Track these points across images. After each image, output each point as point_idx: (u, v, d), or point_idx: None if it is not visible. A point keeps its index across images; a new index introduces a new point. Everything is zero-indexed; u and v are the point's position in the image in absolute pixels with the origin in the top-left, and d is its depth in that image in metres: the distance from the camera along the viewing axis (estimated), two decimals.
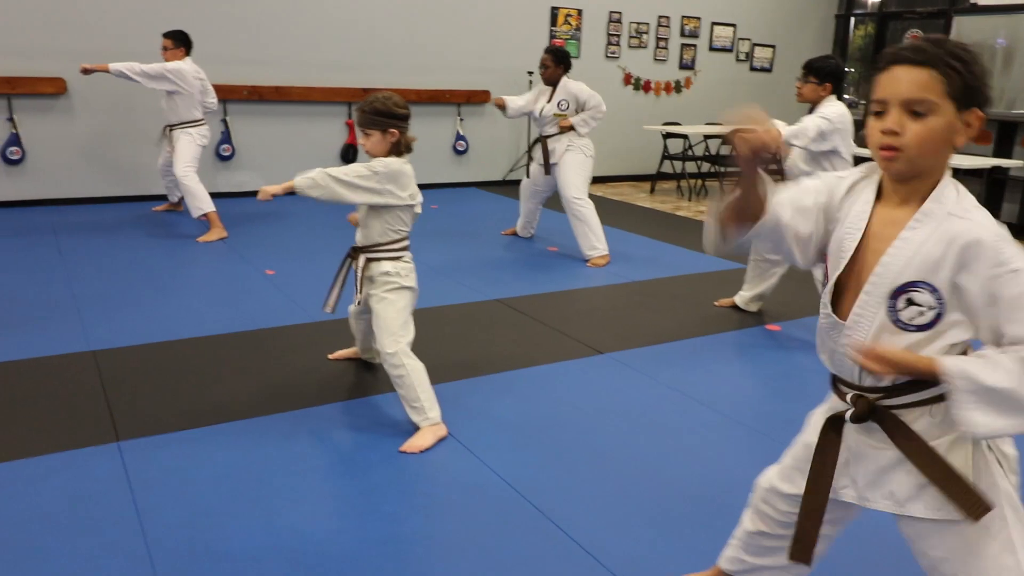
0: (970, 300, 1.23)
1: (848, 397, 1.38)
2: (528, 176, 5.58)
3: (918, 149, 1.24)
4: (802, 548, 1.47)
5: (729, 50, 9.59)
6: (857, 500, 1.43)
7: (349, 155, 7.38)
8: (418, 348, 2.78)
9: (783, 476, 1.59)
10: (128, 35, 6.18)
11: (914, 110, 1.24)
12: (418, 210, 2.83)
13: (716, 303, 4.43)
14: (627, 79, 8.92)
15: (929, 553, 1.37)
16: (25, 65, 5.98)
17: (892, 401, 1.33)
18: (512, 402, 3.07)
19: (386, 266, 2.76)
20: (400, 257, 2.80)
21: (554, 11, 8.23)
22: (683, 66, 9.29)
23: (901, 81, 1.25)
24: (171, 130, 5.52)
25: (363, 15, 7.20)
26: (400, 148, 2.74)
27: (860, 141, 3.84)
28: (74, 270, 4.57)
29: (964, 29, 7.77)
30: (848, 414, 1.37)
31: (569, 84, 5.24)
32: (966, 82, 1.23)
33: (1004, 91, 7.30)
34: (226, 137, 6.85)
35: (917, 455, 1.31)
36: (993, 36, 7.47)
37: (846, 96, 9.51)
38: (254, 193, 7.10)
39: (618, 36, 8.71)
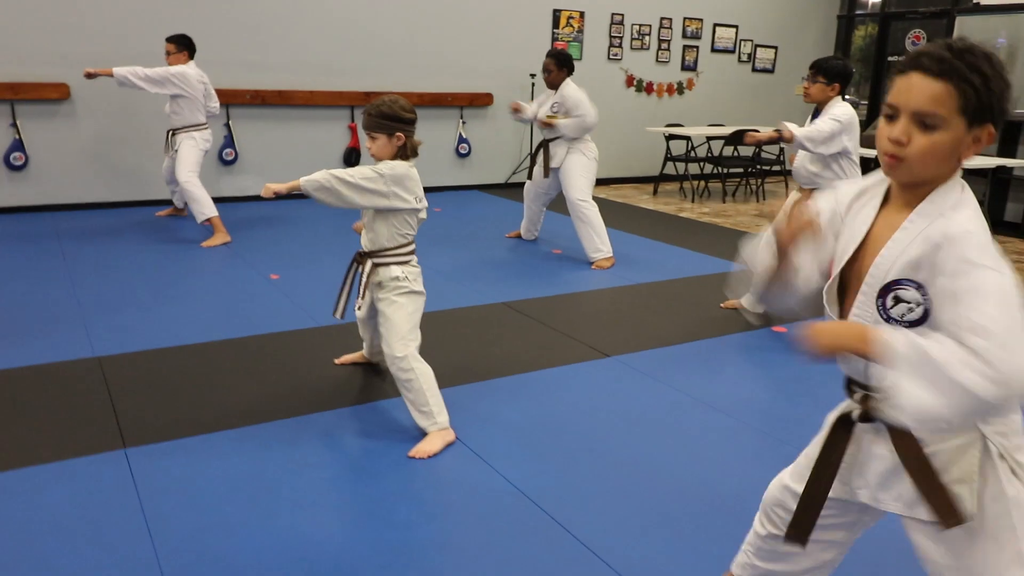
0: (936, 294, 1.24)
1: (856, 397, 1.39)
2: (530, 179, 5.57)
3: (920, 162, 1.25)
4: (799, 532, 1.49)
5: (731, 51, 9.58)
6: (871, 501, 1.43)
7: (352, 158, 7.38)
8: (424, 352, 2.77)
9: (797, 476, 1.58)
10: (131, 40, 6.18)
11: (924, 121, 1.23)
12: (423, 215, 2.82)
13: (722, 305, 4.42)
14: (629, 81, 8.91)
15: (935, 560, 1.36)
16: (28, 70, 5.98)
17: None
18: (520, 406, 3.06)
19: (395, 270, 2.75)
20: (408, 261, 2.79)
21: (556, 13, 8.23)
22: (685, 67, 9.28)
23: (915, 91, 1.23)
24: (174, 134, 5.52)
25: (365, 18, 7.20)
26: (406, 152, 2.73)
27: (863, 142, 3.84)
28: (78, 276, 4.56)
29: (967, 29, 7.76)
30: (855, 414, 1.39)
31: (566, 88, 5.20)
32: (981, 99, 1.21)
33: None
34: (229, 141, 6.85)
35: (905, 454, 1.32)
36: (996, 36, 7.45)
37: (847, 96, 9.49)
38: (257, 197, 7.14)
39: (620, 38, 8.70)
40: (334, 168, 2.66)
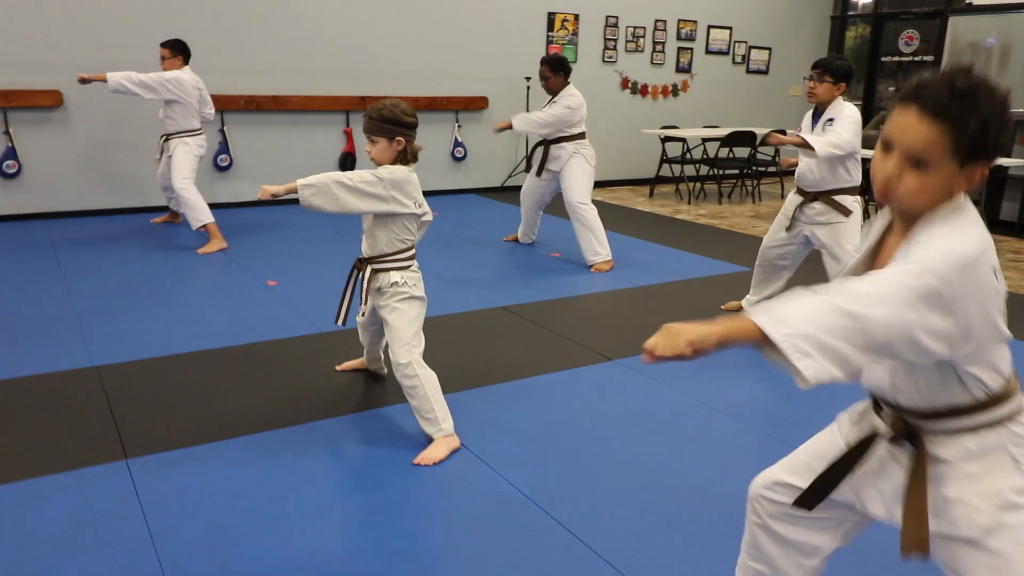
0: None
1: (886, 417, 1.39)
2: (528, 172, 5.56)
3: (910, 199, 1.26)
4: (809, 499, 1.48)
5: (725, 53, 9.59)
6: (885, 515, 1.41)
7: (347, 163, 7.35)
8: (425, 358, 2.75)
9: (791, 470, 1.55)
10: (125, 46, 6.14)
11: (916, 159, 1.23)
12: (428, 218, 2.80)
13: (723, 307, 4.41)
14: (624, 83, 8.92)
15: (955, 568, 1.35)
16: (21, 78, 5.94)
17: (930, 425, 1.33)
18: (524, 411, 3.04)
19: (394, 276, 2.72)
20: (408, 267, 2.77)
21: (551, 16, 8.22)
22: (680, 69, 9.29)
23: (910, 130, 1.23)
24: (167, 140, 5.49)
25: (359, 23, 7.18)
26: (406, 157, 2.71)
27: (862, 143, 3.83)
28: (74, 284, 4.52)
29: (960, 29, 7.78)
30: (883, 432, 1.38)
31: (563, 92, 5.21)
32: (975, 143, 1.20)
33: None
34: (224, 147, 6.82)
35: (918, 474, 1.32)
36: (988, 36, 7.48)
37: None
38: (253, 203, 7.11)
39: (615, 40, 8.71)
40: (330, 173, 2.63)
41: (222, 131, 6.76)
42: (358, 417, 2.96)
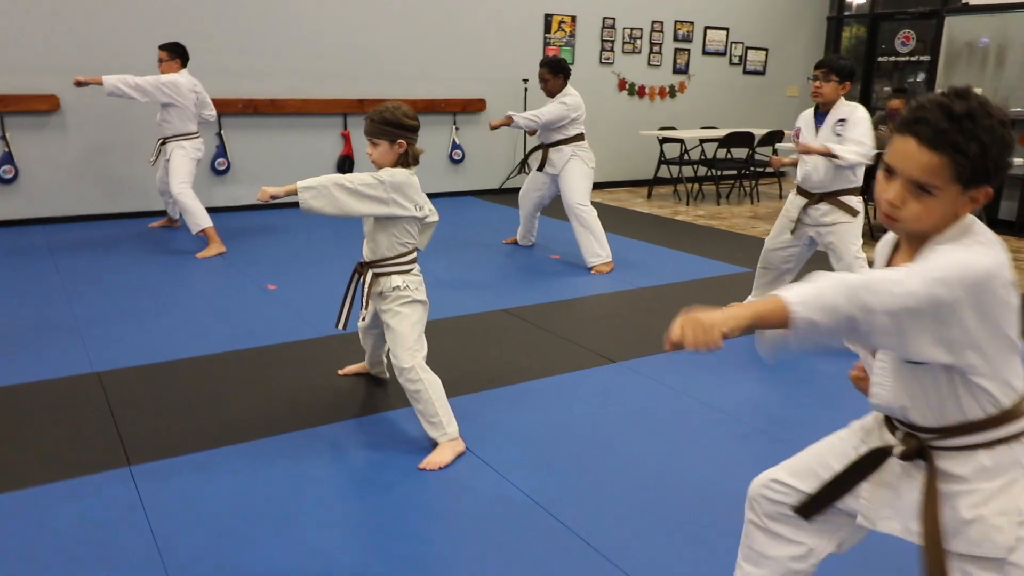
0: None
1: (898, 435, 1.39)
2: (527, 171, 5.56)
3: (915, 223, 1.27)
4: (810, 508, 1.49)
5: (722, 54, 9.60)
6: (902, 533, 1.40)
7: (345, 166, 7.34)
8: (428, 361, 2.74)
9: (793, 472, 1.55)
10: (122, 50, 6.12)
11: (918, 187, 1.24)
12: (434, 219, 2.79)
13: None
14: (622, 84, 8.92)
15: None
16: (17, 82, 5.92)
17: (943, 442, 1.33)
18: (528, 414, 3.03)
19: (396, 280, 2.71)
20: (409, 270, 2.76)
21: (548, 18, 8.22)
22: (677, 70, 9.29)
23: (911, 159, 1.23)
24: (164, 143, 5.47)
25: (357, 26, 7.17)
26: (407, 159, 2.70)
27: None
28: (73, 290, 4.50)
29: (955, 29, 7.80)
30: (896, 451, 1.38)
31: (562, 94, 5.20)
32: (976, 168, 1.20)
33: (998, 90, 7.32)
34: (221, 151, 6.80)
35: (927, 497, 1.32)
36: (986, 36, 7.49)
37: None
38: (251, 207, 7.08)
39: (612, 42, 8.71)
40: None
41: (220, 135, 6.75)
42: (361, 421, 2.94)
